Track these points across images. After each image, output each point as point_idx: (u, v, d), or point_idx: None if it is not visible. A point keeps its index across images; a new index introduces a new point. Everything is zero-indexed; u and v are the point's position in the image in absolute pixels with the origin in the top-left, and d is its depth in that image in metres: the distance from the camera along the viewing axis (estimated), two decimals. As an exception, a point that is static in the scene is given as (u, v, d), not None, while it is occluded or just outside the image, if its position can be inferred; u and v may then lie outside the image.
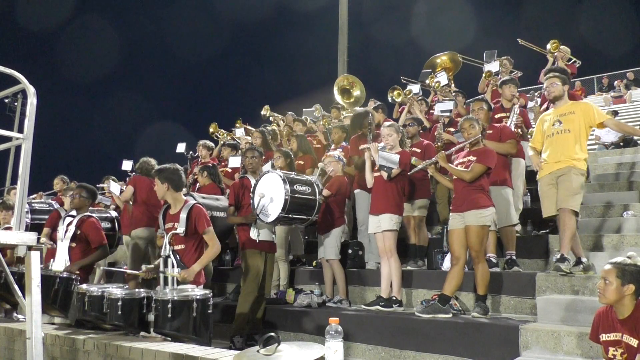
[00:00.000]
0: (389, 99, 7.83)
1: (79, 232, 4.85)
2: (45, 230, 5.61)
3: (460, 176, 4.47)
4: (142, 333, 3.97)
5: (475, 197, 4.39)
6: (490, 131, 5.22)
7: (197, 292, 3.77)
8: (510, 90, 5.97)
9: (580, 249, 4.44)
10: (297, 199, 4.72)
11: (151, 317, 3.74)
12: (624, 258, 2.82)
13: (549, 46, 7.26)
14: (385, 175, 4.85)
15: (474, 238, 4.34)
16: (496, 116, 5.90)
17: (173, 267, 3.93)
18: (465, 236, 4.39)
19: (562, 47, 7.28)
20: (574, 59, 7.42)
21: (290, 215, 4.75)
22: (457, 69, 8.84)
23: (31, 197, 7.65)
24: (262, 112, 10.07)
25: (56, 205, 6.71)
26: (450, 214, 4.59)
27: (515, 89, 6.03)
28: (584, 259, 4.36)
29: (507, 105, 6.08)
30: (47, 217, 6.19)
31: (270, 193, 4.77)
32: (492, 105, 5.77)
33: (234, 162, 6.83)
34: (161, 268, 3.99)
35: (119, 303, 3.78)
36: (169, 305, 3.59)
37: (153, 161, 6.38)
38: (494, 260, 5.05)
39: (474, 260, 4.44)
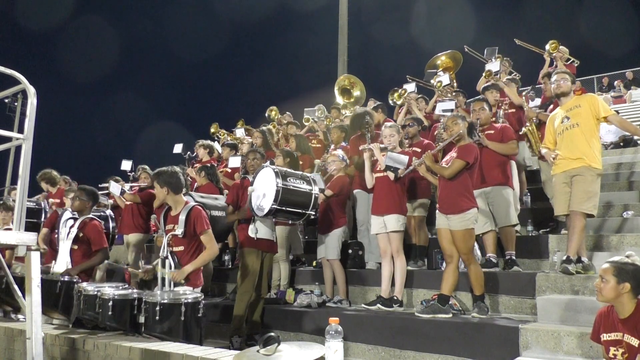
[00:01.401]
0: (390, 101, 7.84)
1: (81, 234, 4.83)
2: (44, 230, 5.61)
3: (440, 173, 4.48)
4: (134, 334, 3.95)
5: (457, 199, 4.38)
6: (492, 132, 5.22)
7: (188, 295, 3.74)
8: (493, 95, 6.06)
9: (583, 249, 4.44)
10: (291, 192, 4.68)
11: (142, 318, 3.72)
12: (621, 257, 2.85)
13: (547, 46, 7.28)
14: (392, 176, 4.86)
15: (460, 242, 4.35)
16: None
17: (170, 268, 3.92)
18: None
19: (560, 47, 7.30)
20: (572, 59, 7.43)
21: (284, 209, 4.69)
22: (458, 67, 8.84)
23: (36, 197, 7.67)
24: (267, 114, 10.00)
25: (43, 204, 6.74)
26: (437, 212, 4.60)
27: (497, 94, 6.12)
28: (584, 259, 4.37)
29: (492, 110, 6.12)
30: (36, 216, 6.22)
31: (265, 187, 4.74)
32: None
33: (234, 162, 6.84)
34: (159, 269, 3.99)
35: (110, 303, 3.76)
36: (157, 308, 3.58)
37: (55, 172, 6.90)
38: (493, 260, 5.05)
39: (465, 262, 4.46)
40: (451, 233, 4.39)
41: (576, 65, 7.47)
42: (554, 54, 7.19)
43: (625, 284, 2.74)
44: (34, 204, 6.81)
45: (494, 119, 5.77)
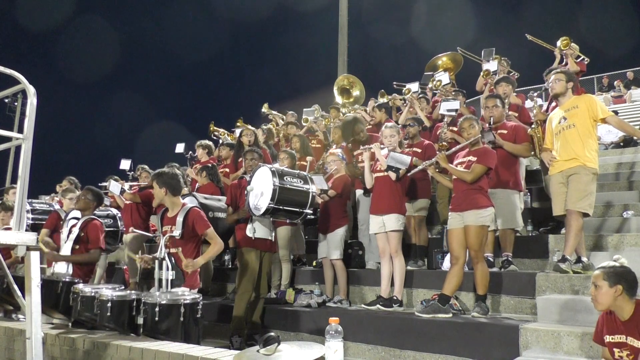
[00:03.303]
0: (380, 100, 7.90)
1: (82, 234, 4.83)
2: (44, 231, 5.59)
3: (461, 177, 4.47)
4: (132, 335, 3.94)
5: (474, 197, 4.39)
6: (505, 131, 5.18)
7: (186, 296, 3.74)
8: (503, 88, 5.98)
9: (583, 249, 4.44)
10: (288, 190, 4.64)
11: (140, 319, 3.72)
12: (609, 262, 2.87)
13: (559, 43, 7.19)
14: (393, 176, 4.86)
15: (473, 238, 4.34)
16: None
17: (168, 269, 3.92)
18: (464, 236, 4.39)
19: (572, 44, 7.22)
20: (582, 57, 7.38)
21: (282, 207, 4.66)
22: (459, 69, 8.82)
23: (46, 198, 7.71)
24: (262, 110, 10.06)
25: (56, 206, 6.70)
26: (450, 213, 4.59)
27: (507, 88, 6.02)
28: (584, 259, 4.37)
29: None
30: (47, 217, 6.20)
31: (262, 187, 4.72)
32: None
33: None
34: (156, 270, 3.99)
35: (109, 304, 3.74)
36: (157, 309, 3.57)
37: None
38: (490, 259, 5.04)
39: (473, 260, 4.44)
40: (465, 230, 4.38)
41: (586, 62, 7.44)
42: (564, 51, 7.14)
43: (618, 286, 2.76)
44: (47, 204, 6.80)
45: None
